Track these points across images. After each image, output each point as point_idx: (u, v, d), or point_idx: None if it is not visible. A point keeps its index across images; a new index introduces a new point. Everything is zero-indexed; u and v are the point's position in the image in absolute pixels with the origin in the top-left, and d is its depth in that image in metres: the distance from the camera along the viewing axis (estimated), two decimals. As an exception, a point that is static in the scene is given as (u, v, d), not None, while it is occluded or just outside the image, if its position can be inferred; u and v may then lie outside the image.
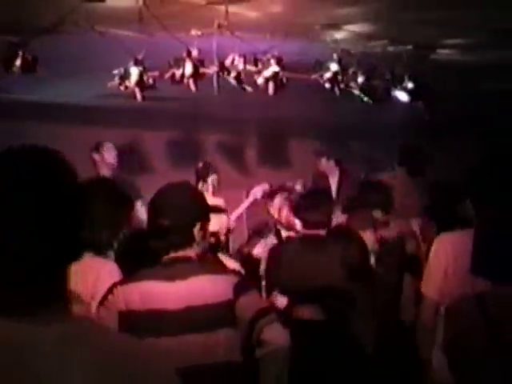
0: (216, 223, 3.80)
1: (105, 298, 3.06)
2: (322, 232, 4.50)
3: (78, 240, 1.73)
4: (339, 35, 7.52)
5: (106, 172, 7.93)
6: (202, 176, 8.32)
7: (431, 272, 3.79)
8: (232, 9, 6.64)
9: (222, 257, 4.41)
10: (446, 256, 3.69)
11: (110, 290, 3.07)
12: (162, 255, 3.15)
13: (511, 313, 2.77)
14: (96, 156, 7.93)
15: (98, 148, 7.99)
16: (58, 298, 1.68)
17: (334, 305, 3.79)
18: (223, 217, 3.79)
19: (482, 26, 7.43)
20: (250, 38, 7.09)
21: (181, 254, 3.13)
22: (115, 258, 3.87)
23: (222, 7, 6.60)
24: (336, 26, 7.30)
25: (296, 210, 4.84)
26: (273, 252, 4.44)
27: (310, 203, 4.73)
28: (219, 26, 6.74)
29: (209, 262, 3.52)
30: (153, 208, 3.22)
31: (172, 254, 3.13)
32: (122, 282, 3.11)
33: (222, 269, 3.19)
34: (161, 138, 10.63)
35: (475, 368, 2.80)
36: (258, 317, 2.99)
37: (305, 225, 4.66)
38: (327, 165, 9.60)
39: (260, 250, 4.99)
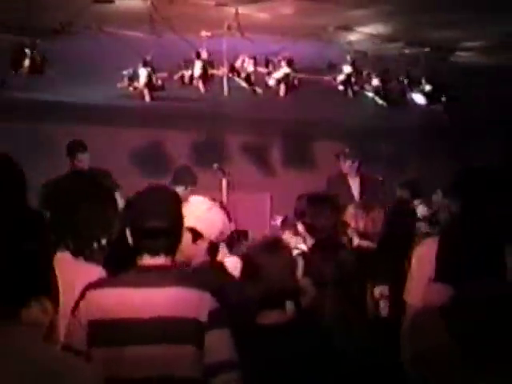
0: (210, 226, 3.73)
1: (77, 304, 3.01)
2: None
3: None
4: (353, 37, 7.43)
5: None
6: (179, 181, 8.34)
7: (413, 279, 3.72)
8: (242, 10, 6.59)
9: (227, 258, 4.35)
10: (428, 262, 3.61)
11: (83, 296, 3.01)
12: (140, 260, 3.10)
13: (475, 323, 2.74)
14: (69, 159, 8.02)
15: (74, 154, 8.05)
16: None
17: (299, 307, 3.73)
18: (216, 220, 3.69)
19: (500, 28, 7.31)
20: (260, 40, 7.03)
21: (158, 261, 3.07)
22: (104, 262, 3.86)
23: (232, 8, 6.56)
24: (349, 27, 7.22)
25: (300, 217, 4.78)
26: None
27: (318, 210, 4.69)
28: (229, 28, 6.69)
29: (185, 273, 3.47)
30: (137, 210, 3.15)
31: (149, 261, 3.07)
32: (95, 286, 3.04)
33: (199, 283, 3.10)
34: (181, 139, 10.65)
35: (440, 376, 2.77)
36: (218, 369, 2.91)
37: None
38: (349, 167, 9.56)
39: None
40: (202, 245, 3.66)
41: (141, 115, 9.53)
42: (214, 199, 3.85)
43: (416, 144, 11.62)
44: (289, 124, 11.23)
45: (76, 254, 3.59)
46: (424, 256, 3.74)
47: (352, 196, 9.70)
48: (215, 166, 8.88)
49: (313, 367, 3.15)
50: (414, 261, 3.78)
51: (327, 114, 10.15)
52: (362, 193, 9.71)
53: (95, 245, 3.78)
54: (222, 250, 4.27)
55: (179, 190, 8.34)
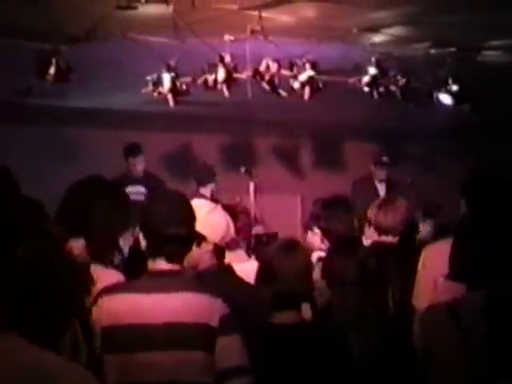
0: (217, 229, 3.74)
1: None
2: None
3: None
4: (377, 38, 7.40)
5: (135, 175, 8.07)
6: (202, 181, 8.40)
7: (420, 284, 3.73)
8: (265, 14, 6.59)
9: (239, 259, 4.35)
10: (433, 266, 3.61)
11: (95, 302, 3.02)
12: (152, 266, 3.11)
13: (483, 320, 2.74)
14: (125, 162, 8.10)
15: (125, 157, 8.12)
16: None
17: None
18: (218, 222, 3.68)
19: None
20: (284, 43, 7.03)
21: (170, 266, 3.09)
22: (123, 268, 3.87)
23: (255, 12, 6.56)
24: (373, 29, 7.19)
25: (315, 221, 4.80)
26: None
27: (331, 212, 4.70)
28: (252, 32, 6.69)
29: (196, 278, 3.48)
30: (155, 216, 3.16)
31: (163, 266, 3.09)
32: (107, 292, 3.05)
33: (210, 289, 3.12)
34: (211, 142, 10.68)
35: (450, 376, 2.77)
36: (229, 375, 2.93)
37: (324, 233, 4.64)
38: (380, 173, 9.54)
39: None
40: (207, 248, 3.66)
41: (167, 120, 9.59)
42: (216, 201, 3.85)
43: (445, 144, 11.55)
44: (316, 126, 11.23)
45: (96, 259, 3.60)
46: (429, 259, 3.75)
47: (378, 197, 9.69)
48: (242, 169, 8.90)
49: (326, 368, 3.16)
50: (419, 265, 3.79)
51: (354, 115, 10.13)
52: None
53: (116, 251, 3.80)
54: (240, 254, 4.28)
55: (207, 190, 8.41)
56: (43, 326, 1.81)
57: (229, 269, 3.90)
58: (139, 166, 8.20)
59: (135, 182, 8.03)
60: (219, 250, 3.76)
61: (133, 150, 8.23)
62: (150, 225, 3.15)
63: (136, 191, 7.69)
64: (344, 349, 3.25)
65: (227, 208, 3.97)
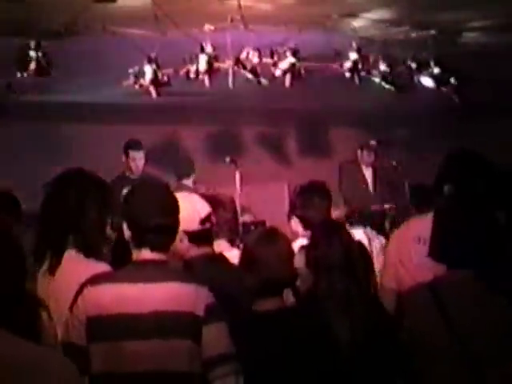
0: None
1: (75, 300, 3.04)
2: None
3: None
4: (357, 23, 7.41)
5: (132, 176, 8.01)
6: (186, 173, 8.41)
7: (385, 261, 3.85)
8: (245, 2, 6.60)
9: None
10: (398, 244, 3.73)
11: (80, 292, 3.04)
12: (137, 255, 3.12)
13: (464, 298, 2.78)
14: (124, 159, 8.05)
15: (126, 152, 8.08)
16: None
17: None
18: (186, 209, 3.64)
19: (506, 7, 7.25)
20: (264, 31, 7.04)
21: (156, 256, 3.11)
22: (111, 259, 3.88)
23: (235, 1, 6.56)
24: (353, 14, 7.20)
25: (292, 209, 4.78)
26: None
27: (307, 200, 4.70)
28: (232, 21, 6.70)
29: (181, 267, 3.50)
30: (139, 206, 3.15)
31: (148, 256, 3.11)
32: (92, 283, 3.06)
33: (195, 278, 3.13)
34: (196, 132, 10.66)
35: (434, 355, 2.81)
36: (216, 363, 2.95)
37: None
38: (367, 157, 9.56)
39: None
40: (182, 236, 3.62)
41: (150, 112, 9.56)
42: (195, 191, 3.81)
43: (429, 127, 11.58)
44: (301, 113, 11.22)
45: (88, 254, 3.59)
46: (393, 239, 3.87)
47: (366, 183, 9.73)
48: (227, 159, 8.90)
49: (313, 354, 3.18)
50: (389, 243, 3.93)
51: (338, 101, 10.13)
52: (375, 180, 9.74)
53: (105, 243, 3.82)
54: (223, 243, 4.28)
55: (189, 181, 8.41)
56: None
57: (219, 257, 3.91)
58: (140, 161, 8.13)
59: (133, 182, 7.98)
60: (195, 237, 3.72)
61: (135, 144, 8.17)
62: (133, 215, 3.16)
63: None
64: (331, 334, 3.28)
65: (205, 197, 3.95)
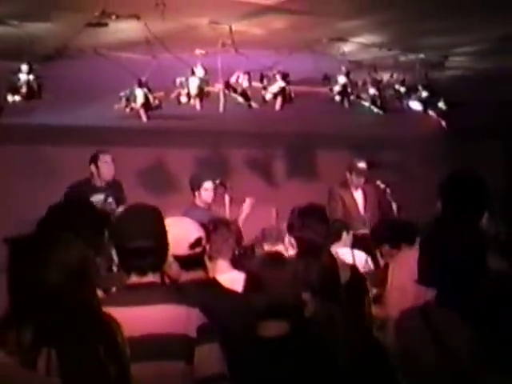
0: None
1: None
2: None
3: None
4: (347, 48, 7.47)
5: (99, 184, 8.03)
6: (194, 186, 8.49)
7: (389, 292, 3.86)
8: (236, 27, 6.64)
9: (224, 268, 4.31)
10: (400, 274, 3.73)
11: None
12: (128, 279, 3.13)
13: (454, 322, 2.81)
14: (93, 168, 8.06)
15: (95, 160, 8.10)
16: None
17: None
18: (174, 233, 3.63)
19: (491, 32, 7.34)
20: (255, 55, 7.07)
21: (146, 279, 3.11)
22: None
23: (226, 26, 6.60)
24: (343, 38, 7.26)
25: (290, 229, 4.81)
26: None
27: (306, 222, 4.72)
28: (223, 45, 6.73)
29: (172, 290, 3.50)
30: (122, 230, 3.18)
31: (137, 279, 3.12)
32: None
33: (186, 300, 3.14)
34: (185, 155, 10.67)
35: (427, 379, 2.84)
36: (208, 382, 2.96)
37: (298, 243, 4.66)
38: (357, 180, 9.58)
39: None
40: (171, 261, 3.62)
41: (140, 135, 9.58)
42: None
43: (418, 150, 11.66)
44: (290, 136, 11.26)
45: None
46: (395, 269, 3.86)
47: (356, 205, 9.75)
48: (217, 181, 8.92)
49: (314, 380, 3.18)
50: (389, 274, 3.91)
51: (327, 124, 10.19)
52: (365, 202, 9.75)
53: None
54: (223, 264, 4.28)
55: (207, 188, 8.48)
56: None
57: (212, 281, 3.90)
58: (111, 164, 8.15)
59: (99, 190, 7.98)
60: (185, 262, 3.71)
61: (102, 150, 8.21)
62: (117, 239, 3.19)
63: (98, 200, 7.65)
64: (333, 357, 3.27)
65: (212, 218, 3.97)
